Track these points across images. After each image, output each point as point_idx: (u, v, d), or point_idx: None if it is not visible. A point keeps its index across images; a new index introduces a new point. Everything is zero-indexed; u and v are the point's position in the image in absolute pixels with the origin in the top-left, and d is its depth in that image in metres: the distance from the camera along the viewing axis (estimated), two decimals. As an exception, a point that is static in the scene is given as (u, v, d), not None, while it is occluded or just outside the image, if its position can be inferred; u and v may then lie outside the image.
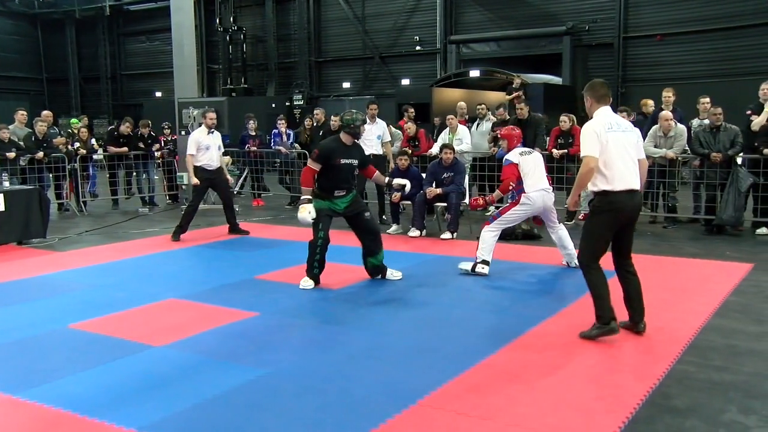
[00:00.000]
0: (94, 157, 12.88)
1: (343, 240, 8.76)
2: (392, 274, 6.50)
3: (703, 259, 7.23)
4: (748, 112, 9.03)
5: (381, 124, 9.95)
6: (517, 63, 21.53)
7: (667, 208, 9.58)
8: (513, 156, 6.77)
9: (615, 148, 4.52)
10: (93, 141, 12.61)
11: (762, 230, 8.63)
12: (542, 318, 5.09)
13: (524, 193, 6.61)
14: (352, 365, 4.20)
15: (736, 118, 9.05)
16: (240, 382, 3.93)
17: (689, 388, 3.77)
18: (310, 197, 6.19)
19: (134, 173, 12.81)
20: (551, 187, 6.86)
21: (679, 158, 9.23)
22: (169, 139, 13.45)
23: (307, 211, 6.09)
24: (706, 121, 9.08)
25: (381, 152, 9.75)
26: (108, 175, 12.50)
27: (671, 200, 9.51)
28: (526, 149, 7.00)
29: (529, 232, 8.58)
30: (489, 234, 6.62)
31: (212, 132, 9.02)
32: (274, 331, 4.91)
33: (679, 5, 18.60)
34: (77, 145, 12.11)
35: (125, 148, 12.29)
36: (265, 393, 3.79)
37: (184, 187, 12.03)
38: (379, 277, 6.50)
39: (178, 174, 12.11)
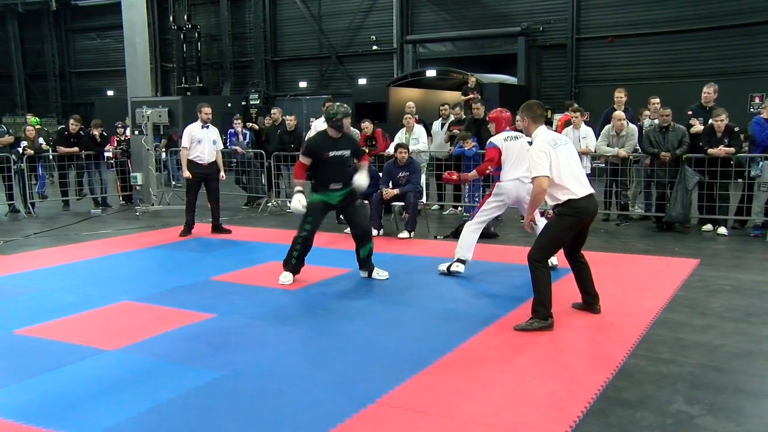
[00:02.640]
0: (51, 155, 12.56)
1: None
2: (378, 273, 6.46)
3: (654, 255, 7.43)
4: (689, 112, 9.36)
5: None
6: (473, 63, 21.77)
7: (620, 206, 9.82)
8: (497, 139, 6.48)
9: (564, 161, 4.79)
10: (41, 140, 12.26)
11: (707, 227, 8.91)
12: (498, 316, 5.16)
13: (498, 182, 6.43)
14: (309, 366, 4.18)
15: (683, 119, 9.33)
16: (196, 384, 3.87)
17: (640, 381, 3.87)
18: (301, 188, 6.27)
19: (86, 174, 12.49)
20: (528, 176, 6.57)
21: (631, 157, 9.47)
22: (123, 139, 13.17)
23: (297, 200, 6.21)
24: (656, 121, 9.33)
25: None
26: (58, 176, 12.17)
27: (623, 198, 9.75)
28: (513, 134, 6.51)
29: (487, 231, 8.66)
30: (468, 232, 6.50)
31: (207, 126, 9.01)
32: (231, 333, 4.85)
33: (628, 8, 19.06)
34: (24, 144, 11.75)
35: (76, 148, 11.98)
36: (222, 395, 3.74)
37: (138, 187, 11.83)
38: (366, 275, 6.47)
39: (132, 174, 11.89)
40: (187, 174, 8.90)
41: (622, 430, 3.27)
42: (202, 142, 8.92)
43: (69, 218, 10.96)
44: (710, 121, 8.77)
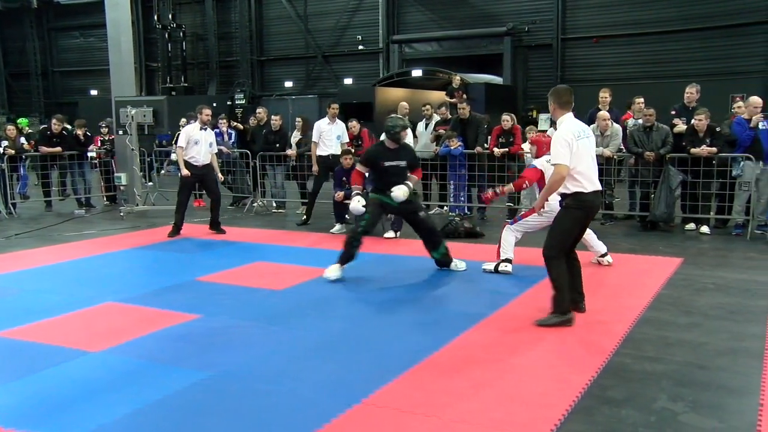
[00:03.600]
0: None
1: (288, 240, 8.72)
2: (456, 265, 6.76)
3: (638, 254, 7.48)
4: (673, 112, 9.44)
5: (340, 124, 10.10)
6: (459, 63, 21.84)
7: (605, 205, 9.87)
8: (539, 162, 6.66)
9: (584, 154, 4.85)
10: (23, 140, 12.13)
11: (690, 226, 8.99)
12: (484, 314, 5.17)
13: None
14: (296, 366, 4.17)
15: (667, 119, 9.40)
16: (183, 385, 3.85)
17: (625, 379, 3.90)
18: (359, 191, 6.65)
19: (69, 174, 12.37)
20: None
21: (615, 156, 9.53)
22: (107, 138, 13.07)
23: (356, 201, 6.57)
24: (641, 121, 9.40)
25: (339, 152, 9.72)
26: (40, 176, 12.05)
27: (608, 197, 9.81)
28: None
29: (472, 230, 8.70)
30: (508, 234, 6.66)
31: (205, 128, 9.03)
32: (217, 333, 4.83)
33: (613, 9, 19.21)
34: (5, 144, 11.61)
35: (59, 148, 11.86)
36: (209, 396, 3.72)
37: (122, 188, 11.74)
38: (446, 267, 6.77)
39: (116, 174, 11.79)
40: (185, 172, 8.90)
41: (607, 428, 3.29)
42: (199, 143, 8.92)
43: (52, 219, 10.85)
44: (692, 121, 8.85)
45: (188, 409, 3.55)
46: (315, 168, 9.92)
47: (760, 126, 8.53)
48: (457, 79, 14.67)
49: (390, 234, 8.66)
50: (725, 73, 17.50)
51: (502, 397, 3.65)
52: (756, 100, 8.71)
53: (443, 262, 6.78)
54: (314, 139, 10.01)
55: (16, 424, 3.38)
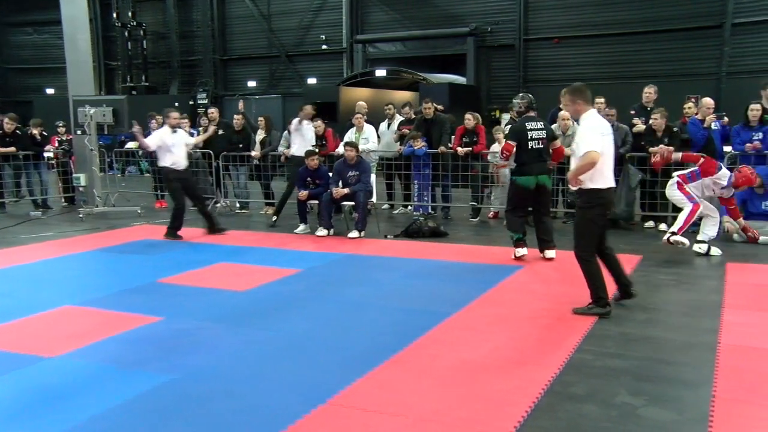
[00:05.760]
0: None
1: (252, 241, 8.65)
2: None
3: (599, 252, 7.59)
4: (632, 111, 9.64)
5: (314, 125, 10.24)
6: (423, 63, 21.92)
7: (566, 204, 10.02)
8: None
9: (608, 152, 5.07)
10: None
11: (649, 223, 9.19)
12: (449, 313, 5.21)
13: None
14: (261, 367, 4.14)
15: (626, 119, 9.59)
16: (145, 389, 3.79)
17: (587, 375, 3.97)
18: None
19: (24, 174, 12.05)
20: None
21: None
22: (64, 139, 12.78)
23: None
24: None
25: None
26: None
27: (570, 196, 9.95)
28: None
29: (436, 229, 8.74)
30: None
31: (176, 131, 8.87)
32: (180, 335, 4.76)
33: (574, 11, 19.49)
34: None
35: (12, 148, 11.55)
36: (172, 399, 3.67)
37: (81, 189, 11.50)
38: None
39: (74, 175, 11.54)
40: (143, 142, 8.81)
41: (569, 424, 3.34)
42: (175, 147, 8.74)
43: (6, 220, 10.55)
44: (650, 121, 9.05)
45: (151, 412, 3.49)
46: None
47: (713, 126, 8.77)
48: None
49: (354, 234, 8.65)
50: (681, 74, 17.92)
51: (466, 395, 3.68)
52: (708, 101, 8.95)
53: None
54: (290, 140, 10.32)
55: (-31, 433, 3.28)
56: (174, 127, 8.86)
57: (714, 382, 3.81)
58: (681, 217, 7.24)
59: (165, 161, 8.75)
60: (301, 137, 10.10)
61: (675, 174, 7.57)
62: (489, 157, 10.00)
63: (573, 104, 5.21)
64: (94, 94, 12.65)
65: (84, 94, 11.43)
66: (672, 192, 7.47)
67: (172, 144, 8.72)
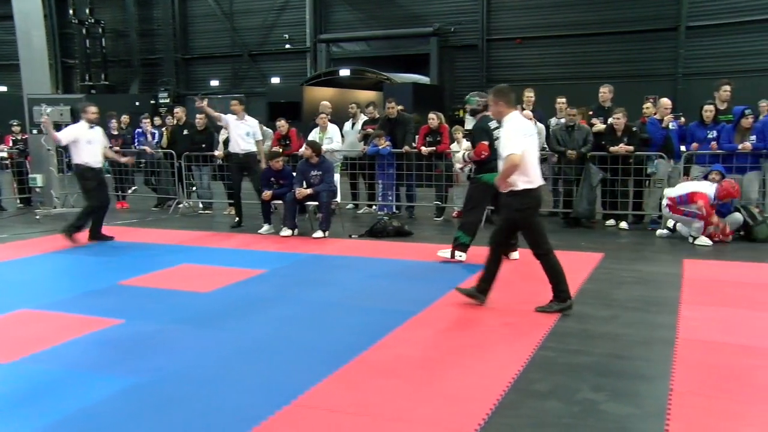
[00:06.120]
0: None
1: (215, 242, 8.55)
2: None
3: (562, 250, 7.62)
4: (590, 112, 9.82)
5: (251, 121, 9.72)
6: (387, 62, 21.97)
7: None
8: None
9: (531, 152, 5.14)
10: None
11: (611, 222, 9.36)
12: (414, 312, 5.22)
13: None
14: (224, 369, 4.09)
15: (586, 119, 9.76)
16: (105, 393, 3.71)
17: (550, 372, 4.02)
18: None
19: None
20: None
21: (539, 155, 9.78)
22: (19, 138, 12.45)
23: None
24: (563, 120, 9.71)
25: (252, 150, 9.55)
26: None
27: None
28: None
29: (401, 229, 8.76)
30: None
31: (92, 127, 8.49)
32: (141, 338, 4.68)
33: (535, 11, 19.76)
34: None
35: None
36: (134, 403, 3.60)
37: (38, 189, 11.23)
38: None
39: (30, 176, 11.26)
40: (54, 135, 8.45)
41: (533, 421, 3.38)
42: (92, 143, 8.37)
43: (-39, 223, 10.26)
44: (609, 120, 9.22)
45: (112, 418, 3.42)
46: (263, 164, 9.58)
47: (671, 126, 8.99)
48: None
49: (318, 234, 8.62)
50: (640, 75, 18.31)
51: (431, 393, 3.69)
52: (666, 101, 9.17)
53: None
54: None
55: None
56: (91, 123, 8.46)
57: (672, 376, 3.89)
58: (697, 229, 8.01)
59: (80, 158, 8.29)
60: (234, 135, 9.63)
61: (666, 195, 8.22)
62: (458, 156, 10.04)
63: (495, 105, 5.25)
64: (50, 93, 12.36)
65: (40, 93, 11.15)
66: (667, 213, 8.28)
67: (89, 140, 8.32)
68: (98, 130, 8.61)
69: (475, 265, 6.77)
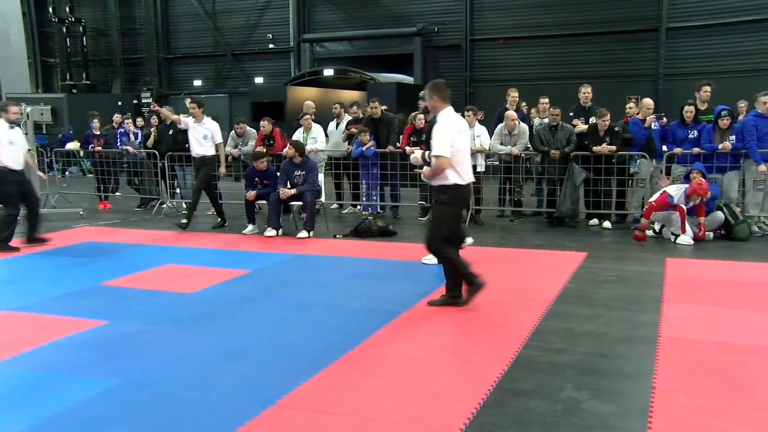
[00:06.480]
0: None
1: (199, 242, 8.50)
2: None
3: (546, 249, 7.77)
4: (571, 113, 9.90)
5: (209, 124, 9.52)
6: (371, 62, 21.94)
7: (513, 203, 10.19)
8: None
9: (463, 148, 5.18)
10: None
11: (594, 221, 9.42)
12: (398, 312, 5.23)
13: None
14: (208, 370, 4.07)
15: (569, 119, 9.82)
16: (87, 395, 3.67)
17: (534, 371, 4.04)
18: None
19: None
20: None
21: (523, 155, 9.85)
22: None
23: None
24: (546, 120, 9.77)
25: (208, 154, 9.47)
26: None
27: (517, 195, 10.13)
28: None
29: (385, 229, 8.77)
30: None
31: (13, 127, 8.09)
32: (124, 340, 4.64)
33: (518, 12, 19.83)
34: None
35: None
36: (116, 405, 3.57)
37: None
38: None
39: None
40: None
41: (517, 419, 3.40)
42: (14, 144, 7.97)
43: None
44: (592, 120, 9.28)
45: (93, 420, 3.39)
46: (222, 169, 9.66)
47: (653, 126, 9.08)
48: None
49: (303, 234, 8.60)
50: (622, 75, 18.45)
51: (415, 393, 3.70)
52: (648, 102, 9.26)
53: None
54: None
55: None
56: (12, 123, 8.06)
57: (654, 374, 3.93)
58: (676, 222, 8.10)
59: (2, 160, 7.86)
60: (191, 137, 9.54)
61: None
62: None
63: (431, 100, 5.29)
64: (30, 92, 12.22)
65: (19, 92, 11.02)
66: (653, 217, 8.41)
67: (9, 141, 7.91)
68: (19, 131, 8.26)
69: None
